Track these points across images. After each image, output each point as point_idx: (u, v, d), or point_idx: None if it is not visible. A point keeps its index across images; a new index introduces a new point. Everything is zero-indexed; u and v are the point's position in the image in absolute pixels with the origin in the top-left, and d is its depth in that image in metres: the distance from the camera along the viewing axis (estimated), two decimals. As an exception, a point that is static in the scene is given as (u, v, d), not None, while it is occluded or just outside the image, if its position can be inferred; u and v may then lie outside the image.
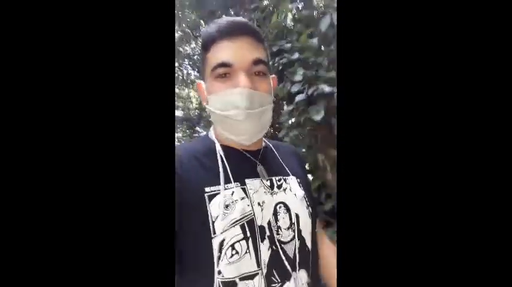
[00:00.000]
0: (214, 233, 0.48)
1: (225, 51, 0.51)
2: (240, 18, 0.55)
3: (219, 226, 0.48)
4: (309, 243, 0.57)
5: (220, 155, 0.55)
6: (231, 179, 0.53)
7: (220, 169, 0.53)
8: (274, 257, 0.51)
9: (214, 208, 0.49)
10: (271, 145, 0.67)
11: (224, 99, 0.52)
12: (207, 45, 0.53)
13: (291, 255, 0.53)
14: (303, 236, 0.56)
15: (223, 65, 0.51)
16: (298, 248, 0.54)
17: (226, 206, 0.50)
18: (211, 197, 0.50)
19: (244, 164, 0.57)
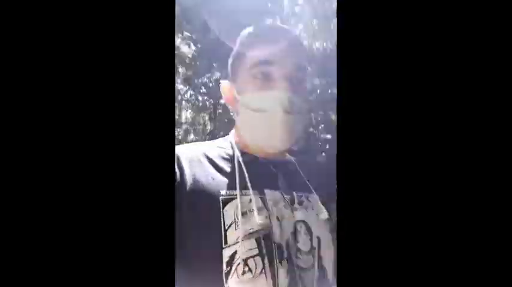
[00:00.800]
0: (226, 243, 0.42)
1: (267, 51, 0.49)
2: (282, 25, 0.55)
3: (232, 235, 0.42)
4: (330, 275, 0.48)
5: (239, 160, 0.50)
6: (249, 185, 0.47)
7: (237, 172, 0.48)
8: (293, 285, 0.43)
9: (228, 213, 0.43)
10: (293, 159, 0.61)
11: (262, 98, 0.49)
12: (246, 44, 0.52)
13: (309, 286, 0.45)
14: (323, 266, 0.48)
15: (265, 62, 0.48)
16: (317, 279, 0.46)
17: (243, 214, 0.44)
18: (226, 202, 0.44)
19: (265, 174, 0.52)
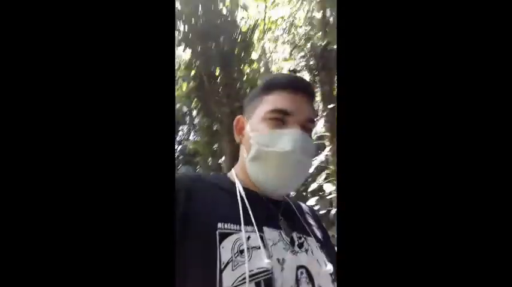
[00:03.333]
0: (221, 286, 0.37)
1: (287, 101, 0.51)
2: (302, 78, 0.58)
3: (228, 277, 0.37)
4: None
5: (240, 194, 0.48)
6: (251, 221, 0.44)
7: (240, 206, 0.45)
8: None
9: (225, 250, 0.40)
10: (289, 201, 0.60)
11: (274, 137, 0.49)
12: (269, 88, 0.53)
13: None
14: None
15: (283, 111, 0.50)
16: None
17: (241, 252, 0.37)
18: (223, 236, 0.41)
19: (264, 211, 0.49)
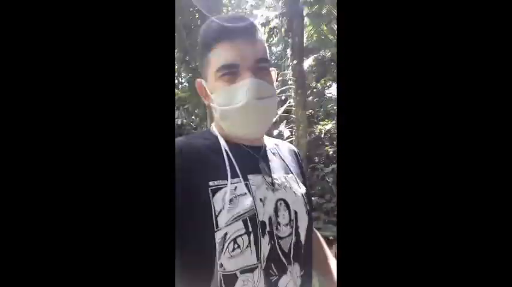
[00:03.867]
0: (217, 227, 0.49)
1: (229, 53, 0.52)
2: (240, 17, 0.55)
3: (222, 219, 0.49)
4: (303, 239, 0.59)
5: (225, 150, 0.56)
6: (237, 173, 0.54)
7: (227, 163, 0.54)
8: (272, 251, 0.53)
9: (217, 202, 0.50)
10: (272, 142, 0.68)
11: (229, 94, 0.53)
12: (208, 45, 0.54)
13: (286, 250, 0.55)
14: (299, 232, 0.58)
15: (229, 67, 0.52)
16: (294, 243, 0.56)
17: (230, 201, 0.51)
18: (214, 191, 0.51)
19: (247, 160, 0.58)
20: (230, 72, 0.52)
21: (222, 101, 0.55)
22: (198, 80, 0.61)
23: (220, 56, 0.53)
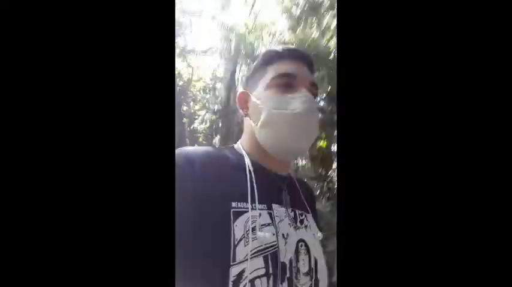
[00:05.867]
0: (234, 260, 0.39)
1: (289, 66, 0.53)
2: (302, 49, 0.59)
3: (241, 251, 0.40)
4: None
5: (250, 170, 0.48)
6: (262, 199, 0.46)
7: (248, 184, 0.46)
8: None
9: (239, 228, 0.41)
10: (292, 177, 0.60)
11: (283, 101, 0.50)
12: (269, 61, 0.54)
13: None
14: None
15: (288, 75, 0.51)
16: None
17: (252, 229, 0.42)
18: (237, 215, 0.42)
19: (272, 187, 0.51)
20: (287, 83, 0.51)
21: (274, 105, 0.50)
22: (243, 91, 0.58)
23: (279, 67, 0.53)
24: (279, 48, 0.56)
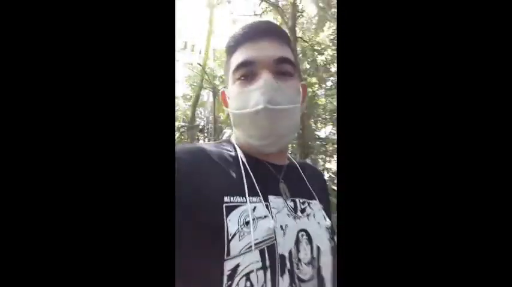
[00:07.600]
0: (229, 254, 0.39)
1: (246, 52, 0.48)
2: (264, 20, 0.52)
3: (235, 246, 0.39)
4: (329, 285, 0.47)
5: (243, 162, 0.48)
6: (257, 192, 0.45)
7: (244, 178, 0.45)
8: None
9: (232, 222, 0.41)
10: (296, 163, 0.59)
11: (244, 97, 0.46)
12: (230, 50, 0.51)
13: None
14: (322, 276, 0.47)
15: (244, 64, 0.47)
16: None
17: (247, 223, 0.42)
18: (230, 209, 0.41)
19: (268, 178, 0.49)
20: (247, 73, 0.47)
21: (236, 105, 0.48)
22: (223, 89, 0.56)
23: (237, 55, 0.49)
24: (239, 30, 0.50)
